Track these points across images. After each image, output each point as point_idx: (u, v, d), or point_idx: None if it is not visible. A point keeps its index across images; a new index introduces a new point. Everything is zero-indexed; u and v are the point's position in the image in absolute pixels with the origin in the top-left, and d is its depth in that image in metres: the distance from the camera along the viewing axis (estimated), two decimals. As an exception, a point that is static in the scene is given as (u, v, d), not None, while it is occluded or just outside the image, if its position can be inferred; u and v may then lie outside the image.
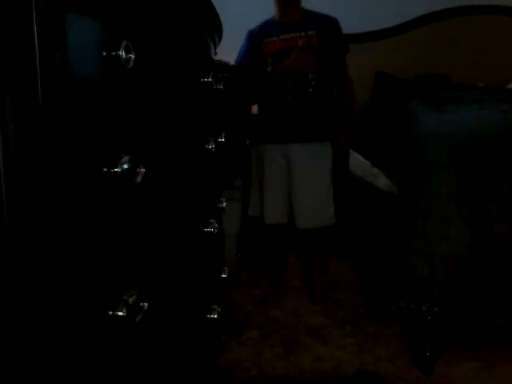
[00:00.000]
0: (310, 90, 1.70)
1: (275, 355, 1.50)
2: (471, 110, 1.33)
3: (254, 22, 1.94)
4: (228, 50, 1.84)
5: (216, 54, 1.29)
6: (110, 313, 0.48)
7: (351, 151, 2.30)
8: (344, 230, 2.28)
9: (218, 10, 1.05)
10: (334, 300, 1.88)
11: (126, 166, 0.49)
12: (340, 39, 1.77)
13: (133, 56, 0.51)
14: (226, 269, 1.25)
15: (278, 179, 1.77)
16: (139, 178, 0.52)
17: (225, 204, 1.18)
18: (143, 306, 0.53)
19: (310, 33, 1.69)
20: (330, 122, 1.78)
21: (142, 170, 0.52)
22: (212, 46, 1.15)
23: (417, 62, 2.74)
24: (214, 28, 1.11)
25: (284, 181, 1.78)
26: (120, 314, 0.49)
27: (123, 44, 0.49)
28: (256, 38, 1.74)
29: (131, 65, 0.51)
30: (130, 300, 0.51)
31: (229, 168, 2.00)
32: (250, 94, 1.85)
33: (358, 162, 2.25)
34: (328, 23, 1.73)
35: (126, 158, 0.49)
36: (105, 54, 0.48)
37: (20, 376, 0.39)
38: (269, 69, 1.72)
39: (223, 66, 2.06)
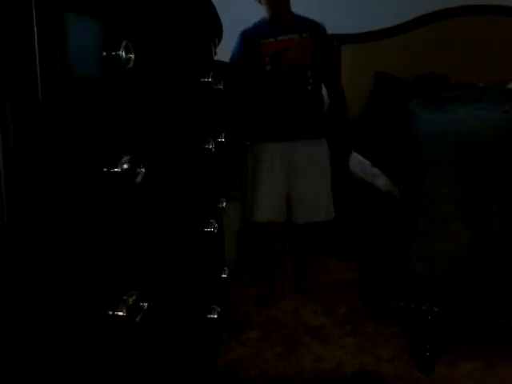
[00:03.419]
0: (309, 87, 1.78)
1: (275, 355, 1.50)
2: (471, 110, 1.33)
3: (254, 21, 1.94)
4: (228, 51, 1.84)
5: (216, 54, 1.29)
6: (110, 313, 0.48)
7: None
8: (344, 230, 2.28)
9: (218, 11, 1.05)
10: (319, 290, 1.97)
11: (126, 166, 0.49)
12: (330, 45, 1.91)
13: (133, 56, 0.51)
14: (226, 269, 1.25)
15: (276, 178, 1.81)
16: (139, 178, 0.52)
17: (225, 204, 1.18)
18: (143, 306, 0.53)
19: (304, 35, 1.78)
20: (325, 119, 1.87)
21: (142, 170, 0.52)
22: (212, 46, 1.15)
23: (417, 62, 2.74)
24: (214, 28, 1.11)
25: (282, 180, 1.82)
26: (120, 314, 0.49)
27: (123, 44, 0.49)
28: (251, 38, 1.80)
29: (131, 65, 0.51)
30: (130, 300, 0.51)
31: (229, 168, 2.00)
32: (249, 93, 1.88)
33: (358, 161, 2.25)
34: (318, 28, 1.83)
35: (126, 158, 0.49)
36: (105, 54, 0.48)
37: (20, 376, 0.39)
38: (267, 67, 1.78)
39: (223, 66, 2.06)
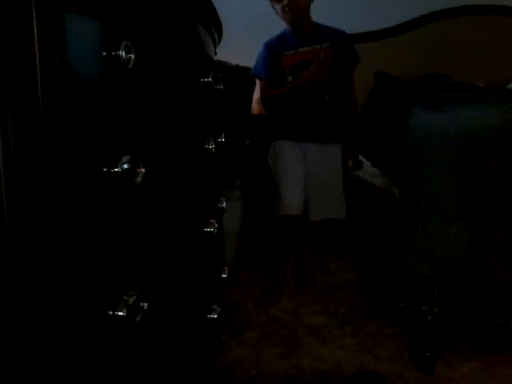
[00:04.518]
0: (327, 97, 1.84)
1: (275, 355, 1.50)
2: (471, 110, 1.33)
3: (254, 21, 1.94)
4: (228, 50, 1.84)
5: (216, 54, 1.29)
6: (110, 313, 0.48)
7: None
8: (344, 230, 2.28)
9: (218, 10, 1.05)
10: (319, 290, 1.97)
11: (126, 166, 0.49)
12: (352, 50, 1.90)
13: (133, 56, 0.51)
14: (226, 269, 1.25)
15: (297, 172, 1.86)
16: (139, 178, 0.52)
17: (225, 204, 1.18)
18: (143, 306, 0.53)
19: (324, 45, 1.82)
20: (341, 125, 1.91)
21: (142, 170, 0.52)
22: (212, 45, 1.15)
23: (417, 62, 2.74)
24: (213, 28, 1.11)
25: (302, 174, 1.87)
26: (120, 314, 0.49)
27: (123, 44, 0.49)
28: (274, 50, 1.85)
29: (131, 65, 0.51)
30: (130, 300, 0.51)
31: (229, 168, 2.00)
32: (270, 104, 1.94)
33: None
34: (339, 35, 1.87)
35: (125, 158, 0.49)
36: (105, 54, 0.48)
37: (20, 376, 0.39)
38: (289, 78, 1.83)
39: (223, 66, 2.06)
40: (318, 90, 1.82)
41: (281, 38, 1.87)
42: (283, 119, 1.88)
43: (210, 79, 0.97)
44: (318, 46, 1.82)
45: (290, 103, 1.85)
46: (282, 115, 1.89)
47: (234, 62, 2.21)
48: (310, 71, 1.79)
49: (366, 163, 2.19)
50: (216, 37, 1.20)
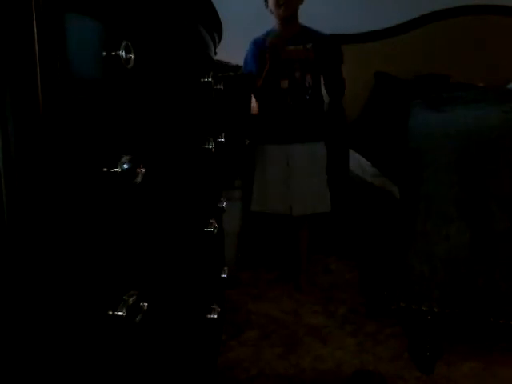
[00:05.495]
0: (307, 96, 1.91)
1: (275, 355, 1.50)
2: (471, 110, 1.33)
3: (254, 21, 1.95)
4: (228, 50, 1.84)
5: (216, 54, 1.29)
6: (110, 313, 0.48)
7: (351, 151, 2.30)
8: (344, 230, 2.28)
9: (218, 10, 1.05)
10: (319, 289, 1.99)
11: (126, 166, 0.49)
12: (336, 51, 2.00)
13: (133, 56, 0.51)
14: (225, 269, 1.25)
15: (279, 177, 1.94)
16: (139, 178, 0.52)
17: (225, 204, 1.18)
18: (143, 306, 0.53)
19: (308, 46, 1.91)
20: (323, 124, 2.00)
21: (142, 170, 0.52)
22: (212, 45, 1.15)
23: (417, 62, 2.73)
24: (213, 28, 1.11)
25: (284, 179, 1.94)
26: (120, 313, 0.49)
27: (123, 44, 0.49)
28: (262, 47, 1.92)
29: (131, 65, 0.51)
30: (130, 300, 0.51)
31: (229, 168, 2.00)
32: (258, 92, 2.01)
33: (357, 161, 2.25)
34: (323, 38, 1.95)
35: (125, 158, 0.49)
36: (105, 54, 0.48)
37: (20, 376, 0.39)
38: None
39: (223, 66, 2.07)
40: (298, 90, 1.88)
41: (267, 36, 1.93)
42: (266, 123, 1.95)
43: (210, 79, 0.97)
44: (301, 47, 1.89)
45: (268, 105, 1.91)
46: (265, 119, 1.96)
47: (233, 62, 2.22)
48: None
49: (366, 163, 2.19)
50: (216, 37, 1.20)
